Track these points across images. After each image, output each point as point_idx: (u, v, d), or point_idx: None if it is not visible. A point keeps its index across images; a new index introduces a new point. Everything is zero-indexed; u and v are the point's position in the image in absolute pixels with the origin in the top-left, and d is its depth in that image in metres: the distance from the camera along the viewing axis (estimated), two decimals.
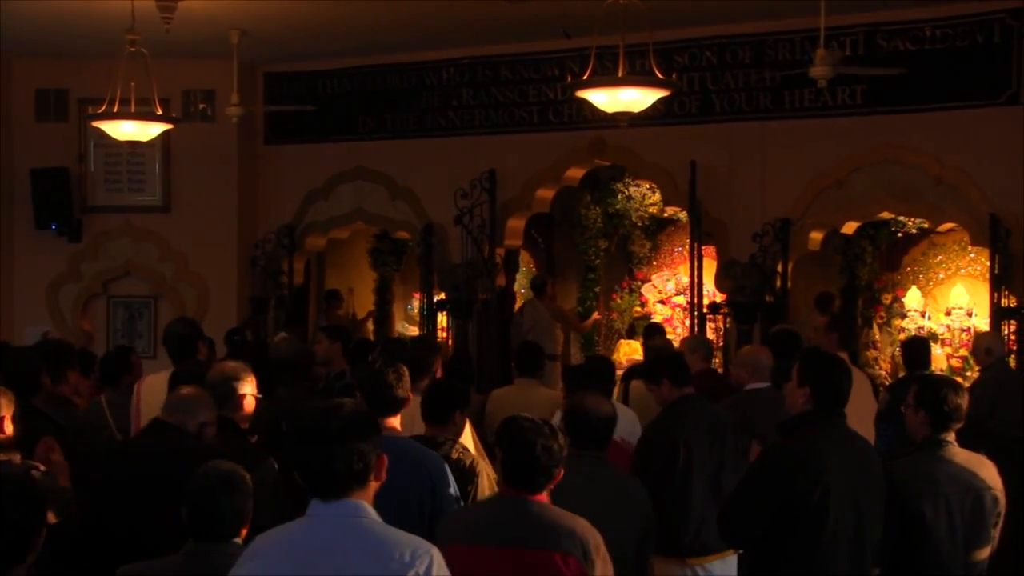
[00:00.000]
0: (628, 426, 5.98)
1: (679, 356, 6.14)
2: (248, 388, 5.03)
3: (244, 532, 3.67)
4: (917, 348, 8.08)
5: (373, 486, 3.08)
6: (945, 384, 4.72)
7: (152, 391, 5.79)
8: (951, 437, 4.62)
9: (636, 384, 7.51)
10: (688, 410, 5.65)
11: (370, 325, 13.34)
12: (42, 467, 4.75)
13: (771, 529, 4.32)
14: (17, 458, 4.73)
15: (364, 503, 3.04)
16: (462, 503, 4.59)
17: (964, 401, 4.62)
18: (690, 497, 5.44)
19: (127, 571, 3.71)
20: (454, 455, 4.82)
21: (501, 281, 11.49)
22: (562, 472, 3.87)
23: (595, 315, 12.88)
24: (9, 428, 4.84)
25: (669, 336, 12.63)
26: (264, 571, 3.01)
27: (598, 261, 13.29)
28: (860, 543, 4.33)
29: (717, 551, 5.47)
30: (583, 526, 3.82)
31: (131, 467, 4.52)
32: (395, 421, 4.64)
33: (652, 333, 9.65)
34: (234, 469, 3.73)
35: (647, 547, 4.46)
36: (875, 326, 11.51)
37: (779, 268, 10.04)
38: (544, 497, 3.85)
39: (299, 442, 3.09)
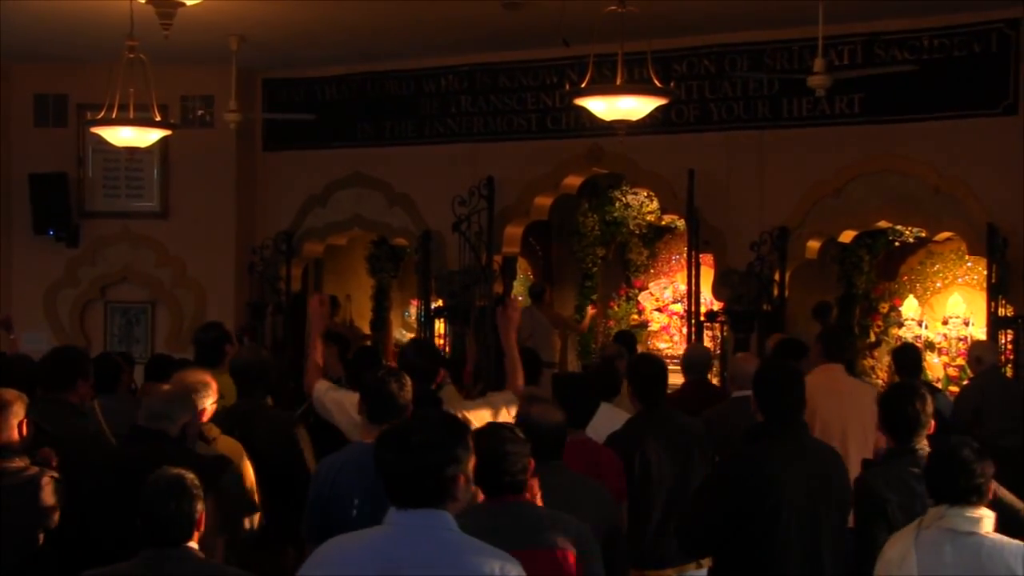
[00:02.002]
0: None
1: (653, 370, 5.96)
2: (209, 401, 5.05)
3: (197, 536, 3.73)
4: (907, 355, 8.09)
5: (458, 502, 3.06)
6: (901, 394, 4.72)
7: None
8: (919, 443, 4.58)
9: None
10: (650, 422, 5.61)
11: (366, 331, 13.36)
12: (55, 473, 4.75)
13: (726, 538, 4.36)
14: (26, 462, 4.73)
15: (447, 514, 3.01)
16: None
17: (921, 408, 4.58)
18: (648, 509, 5.38)
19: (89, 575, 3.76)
20: None
21: (499, 288, 11.49)
22: (533, 464, 3.87)
23: (590, 311, 12.87)
24: (22, 431, 4.83)
25: (665, 344, 12.70)
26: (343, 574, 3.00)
27: (595, 269, 13.32)
28: (816, 551, 4.36)
29: (675, 563, 5.40)
30: (573, 521, 3.85)
31: (117, 476, 4.48)
32: None
33: (618, 341, 9.52)
34: (182, 474, 3.77)
35: (615, 550, 4.32)
36: (872, 335, 11.53)
37: (776, 277, 10.04)
38: (528, 497, 3.87)
39: (381, 448, 3.10)
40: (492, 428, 3.99)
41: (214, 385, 5.16)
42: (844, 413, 6.43)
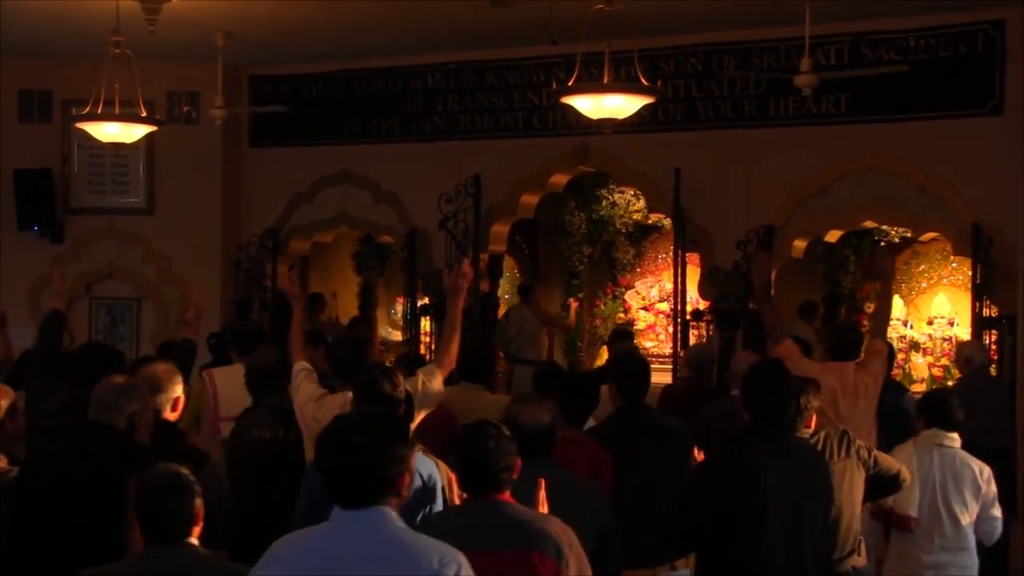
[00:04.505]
0: None
1: (635, 367, 5.98)
2: (179, 390, 5.04)
3: (197, 531, 3.72)
4: (843, 338, 8.02)
5: (403, 498, 3.09)
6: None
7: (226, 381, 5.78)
8: (800, 432, 5.13)
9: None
10: (627, 420, 5.62)
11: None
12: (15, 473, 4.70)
13: (710, 537, 4.36)
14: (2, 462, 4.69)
15: (388, 510, 3.04)
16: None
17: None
18: (619, 507, 5.38)
19: (88, 574, 3.74)
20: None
21: (485, 286, 11.48)
22: (519, 465, 3.87)
23: (573, 304, 12.86)
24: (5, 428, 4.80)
25: (651, 343, 12.71)
26: (286, 573, 3.02)
27: (582, 267, 13.32)
28: (802, 549, 4.38)
29: (648, 563, 5.39)
30: (556, 524, 3.82)
31: (62, 470, 4.43)
32: None
33: (619, 337, 9.62)
34: (179, 471, 3.76)
35: (609, 548, 4.28)
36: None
37: None
38: (509, 496, 3.86)
39: (322, 448, 3.11)
40: (477, 425, 3.96)
41: (179, 376, 5.12)
42: (847, 411, 6.42)
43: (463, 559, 3.03)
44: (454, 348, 5.55)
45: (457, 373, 6.24)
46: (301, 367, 5.61)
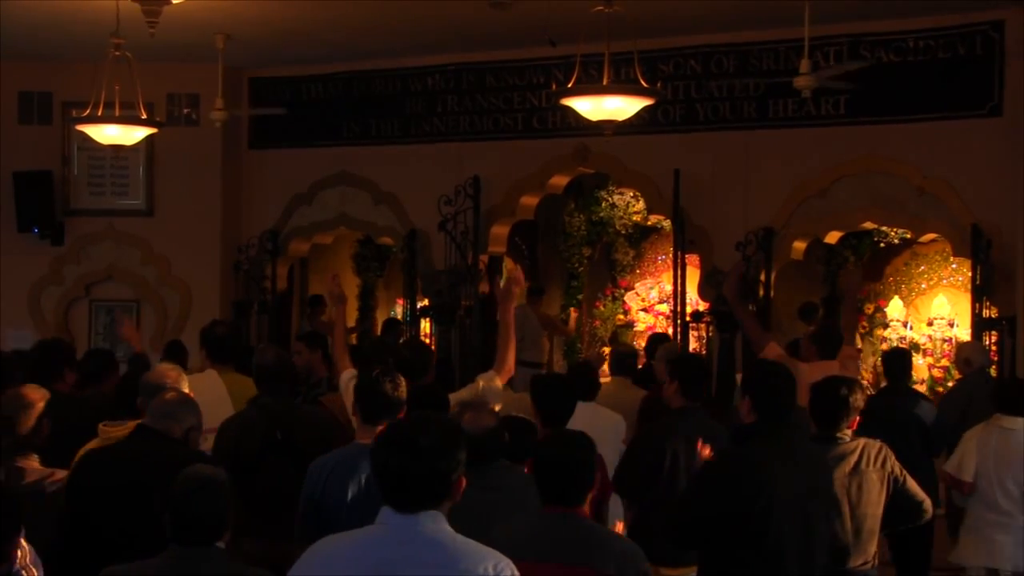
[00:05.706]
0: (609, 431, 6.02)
1: (701, 367, 6.07)
2: (187, 387, 5.09)
3: (226, 536, 3.68)
4: (898, 360, 8.07)
5: (454, 501, 3.08)
6: (832, 385, 5.20)
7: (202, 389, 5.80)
8: (843, 433, 5.15)
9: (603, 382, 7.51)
10: (684, 421, 5.63)
11: (353, 337, 13.33)
12: (58, 476, 4.72)
13: (715, 536, 4.37)
14: (35, 463, 4.71)
15: (439, 514, 3.02)
16: None
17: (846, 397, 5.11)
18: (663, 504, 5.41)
19: (111, 572, 3.71)
20: None
21: (484, 288, 11.48)
22: (599, 478, 3.93)
23: (573, 312, 12.88)
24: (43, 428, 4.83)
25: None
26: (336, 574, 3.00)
27: (581, 269, 13.33)
28: (809, 549, 4.37)
29: (692, 563, 5.44)
30: (621, 544, 3.87)
31: (118, 473, 4.48)
32: None
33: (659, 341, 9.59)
34: (214, 473, 3.74)
35: None
36: (857, 336, 11.55)
37: (762, 277, 10.05)
38: (586, 510, 3.89)
39: (385, 450, 3.07)
40: (560, 435, 4.03)
41: (184, 374, 5.19)
42: None
43: (512, 565, 3.02)
44: (511, 354, 5.74)
45: None
46: (351, 376, 5.67)
